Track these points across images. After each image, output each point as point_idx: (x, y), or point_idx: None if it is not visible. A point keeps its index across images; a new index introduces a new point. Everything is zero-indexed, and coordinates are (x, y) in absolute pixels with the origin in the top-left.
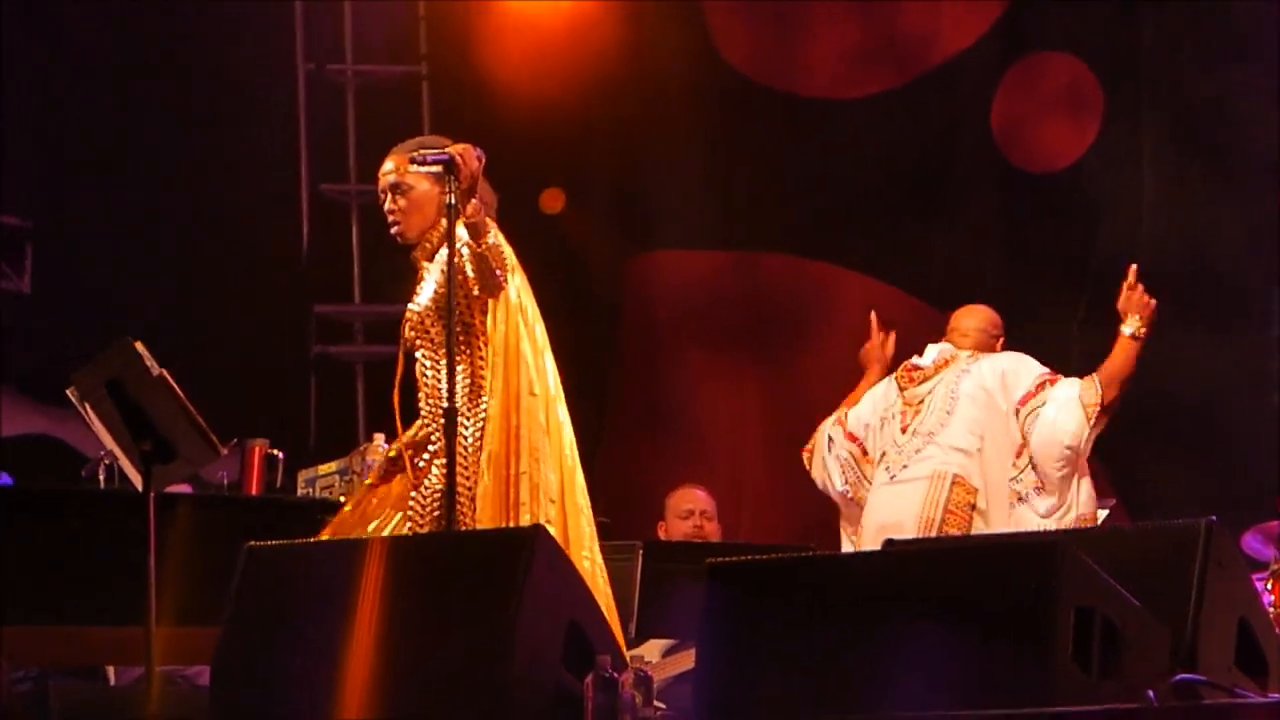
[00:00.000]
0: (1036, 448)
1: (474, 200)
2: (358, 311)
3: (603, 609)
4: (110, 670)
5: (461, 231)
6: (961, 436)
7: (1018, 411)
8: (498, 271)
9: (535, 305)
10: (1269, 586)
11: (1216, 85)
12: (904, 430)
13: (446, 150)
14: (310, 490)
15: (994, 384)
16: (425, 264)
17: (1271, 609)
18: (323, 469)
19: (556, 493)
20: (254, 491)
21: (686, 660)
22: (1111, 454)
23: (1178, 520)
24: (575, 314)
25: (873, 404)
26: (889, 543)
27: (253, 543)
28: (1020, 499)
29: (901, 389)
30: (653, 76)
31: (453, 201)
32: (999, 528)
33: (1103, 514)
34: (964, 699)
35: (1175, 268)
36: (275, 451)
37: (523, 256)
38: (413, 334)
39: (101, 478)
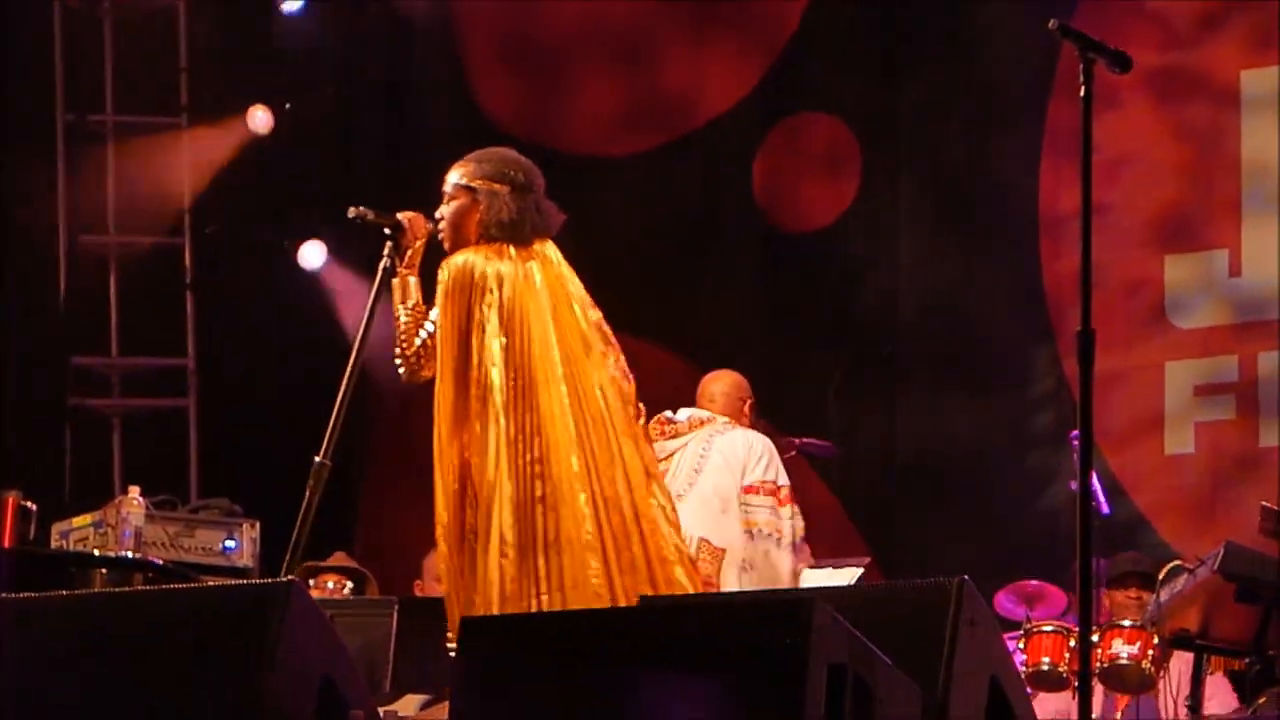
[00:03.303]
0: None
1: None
2: (115, 364)
3: None
4: None
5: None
6: (709, 497)
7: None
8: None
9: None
10: (1021, 646)
11: (974, 149)
12: None
13: (397, 215)
14: (64, 543)
15: (738, 456)
16: None
17: (1023, 668)
18: (77, 521)
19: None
20: (6, 543)
21: (441, 714)
22: (868, 511)
23: (930, 579)
24: (332, 361)
25: None
26: (644, 599)
27: (2, 595)
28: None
29: (651, 440)
30: (414, 129)
31: (386, 265)
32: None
33: (857, 572)
34: None
35: (934, 328)
36: (29, 503)
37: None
38: None
39: None
